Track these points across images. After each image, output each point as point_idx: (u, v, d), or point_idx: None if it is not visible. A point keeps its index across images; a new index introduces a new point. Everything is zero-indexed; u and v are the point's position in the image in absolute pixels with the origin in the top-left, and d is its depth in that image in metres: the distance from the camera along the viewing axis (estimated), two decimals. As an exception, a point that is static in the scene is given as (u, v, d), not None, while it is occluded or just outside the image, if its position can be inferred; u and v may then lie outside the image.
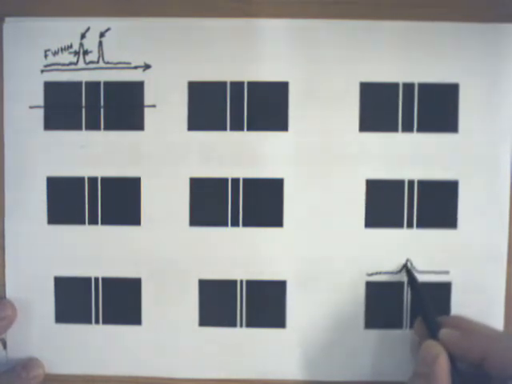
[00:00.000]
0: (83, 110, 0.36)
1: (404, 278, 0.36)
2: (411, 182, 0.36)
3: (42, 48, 0.36)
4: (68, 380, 0.37)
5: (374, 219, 0.36)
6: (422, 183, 0.36)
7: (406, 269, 0.35)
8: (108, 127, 0.36)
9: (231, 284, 0.36)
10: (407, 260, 0.36)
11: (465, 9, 0.35)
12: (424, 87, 0.36)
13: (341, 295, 0.36)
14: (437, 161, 0.36)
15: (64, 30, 0.36)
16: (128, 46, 0.36)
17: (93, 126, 0.36)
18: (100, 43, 0.36)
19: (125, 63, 0.36)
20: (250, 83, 0.36)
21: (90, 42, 0.36)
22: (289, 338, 0.36)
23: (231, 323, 0.36)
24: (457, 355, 0.30)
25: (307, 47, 0.36)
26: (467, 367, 0.30)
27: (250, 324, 0.36)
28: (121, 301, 0.37)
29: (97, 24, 0.36)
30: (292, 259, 0.36)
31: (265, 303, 0.36)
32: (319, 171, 0.36)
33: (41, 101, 0.36)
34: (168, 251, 0.36)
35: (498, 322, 0.36)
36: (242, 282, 0.36)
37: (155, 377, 0.37)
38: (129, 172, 0.36)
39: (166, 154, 0.36)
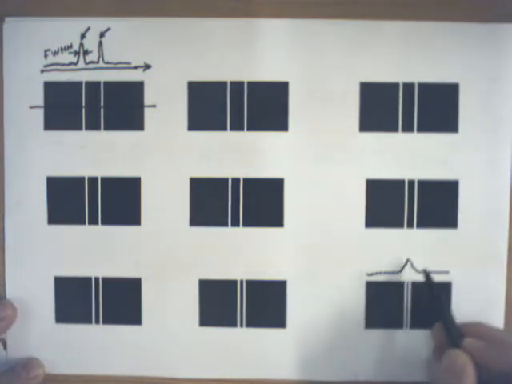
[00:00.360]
0: (83, 110, 0.36)
1: (404, 278, 0.36)
2: (411, 182, 0.36)
3: (41, 48, 0.36)
4: (68, 380, 0.37)
5: (374, 219, 0.36)
6: (422, 183, 0.36)
7: (426, 273, 0.35)
8: (108, 127, 0.36)
9: (231, 284, 0.36)
10: (424, 270, 0.35)
11: (465, 9, 0.35)
12: (424, 87, 0.36)
13: (341, 295, 0.36)
14: (437, 161, 0.36)
15: (64, 30, 0.36)
16: (128, 46, 0.36)
17: (93, 126, 0.36)
18: (100, 43, 0.36)
19: (125, 63, 0.36)
20: (250, 83, 0.36)
21: (90, 42, 0.36)
22: (289, 338, 0.36)
23: (231, 323, 0.36)
24: (481, 365, 0.29)
25: (307, 47, 0.36)
26: (489, 377, 0.29)
27: (250, 324, 0.36)
28: (121, 301, 0.37)
29: (97, 24, 0.36)
30: (292, 259, 0.36)
31: (265, 303, 0.36)
32: (319, 171, 0.36)
33: (41, 101, 0.36)
34: (168, 251, 0.36)
35: (498, 322, 0.36)
36: (242, 281, 0.36)
37: (155, 377, 0.37)
38: (129, 172, 0.36)
39: (166, 154, 0.36)
